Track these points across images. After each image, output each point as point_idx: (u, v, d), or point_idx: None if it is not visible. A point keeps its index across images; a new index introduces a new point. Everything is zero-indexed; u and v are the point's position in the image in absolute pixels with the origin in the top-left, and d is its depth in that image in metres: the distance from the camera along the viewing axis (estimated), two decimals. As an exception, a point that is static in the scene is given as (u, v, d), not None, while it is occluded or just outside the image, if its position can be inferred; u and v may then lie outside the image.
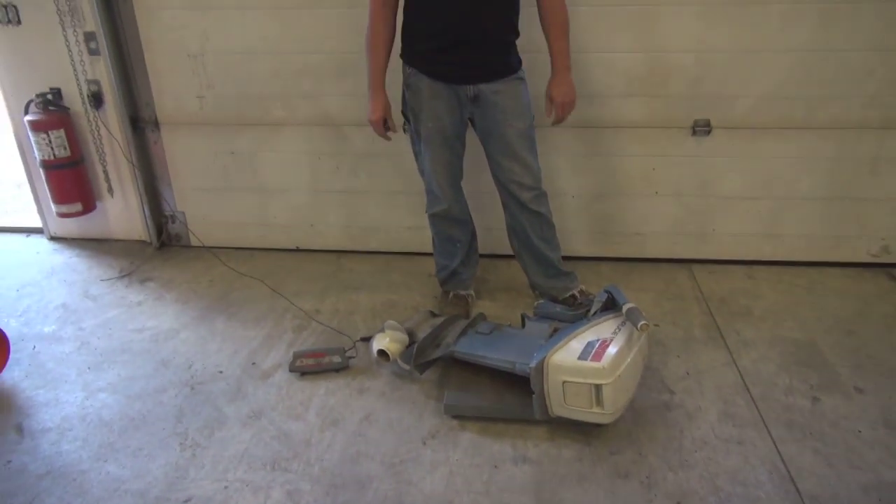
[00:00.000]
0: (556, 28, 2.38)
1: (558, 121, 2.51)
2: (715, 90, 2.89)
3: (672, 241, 3.21)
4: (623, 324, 2.15)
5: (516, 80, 2.44)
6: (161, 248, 3.49)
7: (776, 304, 2.86)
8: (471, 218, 2.77)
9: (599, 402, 1.98)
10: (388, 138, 2.58)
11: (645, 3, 2.77)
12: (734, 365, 2.45)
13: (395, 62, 2.49)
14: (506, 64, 2.42)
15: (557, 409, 2.05)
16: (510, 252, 2.82)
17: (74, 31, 3.05)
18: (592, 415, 2.01)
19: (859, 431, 2.10)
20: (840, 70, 2.81)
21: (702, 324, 2.72)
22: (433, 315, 2.65)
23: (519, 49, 2.45)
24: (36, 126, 3.12)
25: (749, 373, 2.39)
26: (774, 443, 2.05)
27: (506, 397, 2.18)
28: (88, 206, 3.36)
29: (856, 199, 3.05)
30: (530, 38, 2.46)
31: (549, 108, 2.48)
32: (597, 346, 2.03)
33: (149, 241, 3.49)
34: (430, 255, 2.89)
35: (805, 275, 3.09)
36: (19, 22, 3.08)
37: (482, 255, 2.94)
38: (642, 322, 2.06)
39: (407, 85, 2.49)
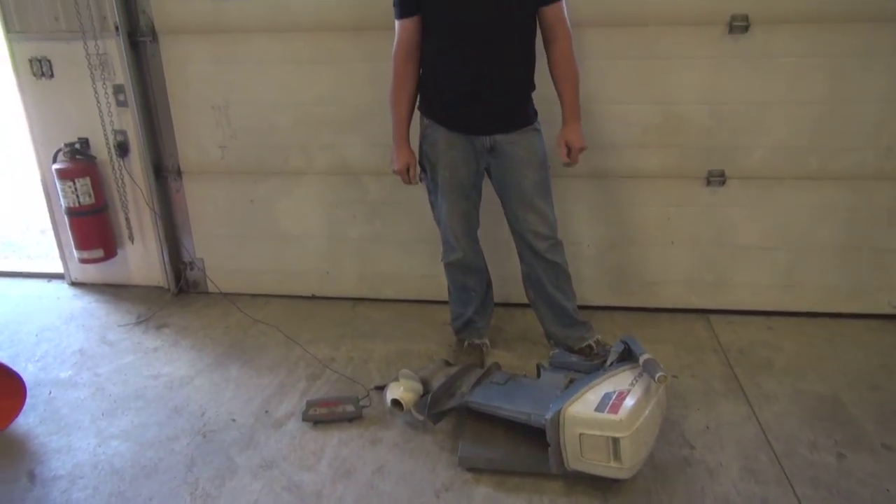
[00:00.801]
0: (567, 81, 2.44)
1: (572, 163, 2.54)
2: (728, 141, 2.92)
3: (689, 291, 3.19)
4: (640, 375, 2.12)
5: (532, 131, 2.49)
6: (179, 294, 3.52)
7: (797, 356, 2.81)
8: (486, 267, 2.78)
9: (617, 456, 1.93)
10: (414, 184, 2.62)
11: (657, 57, 2.82)
12: (755, 419, 2.39)
13: (415, 113, 2.54)
14: (522, 115, 2.47)
15: (574, 462, 2.00)
16: (526, 301, 2.81)
17: (104, 83, 3.16)
18: (610, 469, 1.96)
19: (888, 490, 2.03)
20: (852, 122, 2.83)
21: (721, 376, 2.68)
22: (448, 364, 2.63)
23: (535, 101, 2.50)
24: (63, 174, 3.20)
25: (771, 427, 2.34)
26: (799, 501, 1.99)
27: (521, 450, 2.14)
28: (110, 253, 3.42)
29: (875, 250, 3.02)
30: (546, 91, 2.51)
31: (565, 151, 2.51)
32: (614, 397, 2.00)
33: (167, 287, 3.53)
34: (446, 303, 2.89)
35: (826, 326, 3.04)
36: (52, 75, 3.20)
37: (497, 304, 2.94)
38: (660, 374, 2.03)
39: (424, 136, 2.54)
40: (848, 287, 3.09)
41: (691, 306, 3.20)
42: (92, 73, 3.13)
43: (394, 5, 2.41)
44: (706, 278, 3.16)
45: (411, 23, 2.39)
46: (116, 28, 3.02)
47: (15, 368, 2.47)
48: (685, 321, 3.12)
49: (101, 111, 3.20)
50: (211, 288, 3.51)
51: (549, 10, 2.35)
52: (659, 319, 3.14)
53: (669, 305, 3.21)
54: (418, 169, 2.61)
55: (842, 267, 3.06)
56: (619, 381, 2.10)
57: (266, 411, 2.50)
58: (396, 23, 2.42)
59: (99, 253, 3.38)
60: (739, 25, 2.72)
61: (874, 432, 2.30)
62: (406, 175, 2.57)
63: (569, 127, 2.49)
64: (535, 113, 2.51)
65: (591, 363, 2.44)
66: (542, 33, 2.41)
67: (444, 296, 2.88)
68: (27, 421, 2.47)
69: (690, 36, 2.78)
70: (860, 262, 3.04)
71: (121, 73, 3.13)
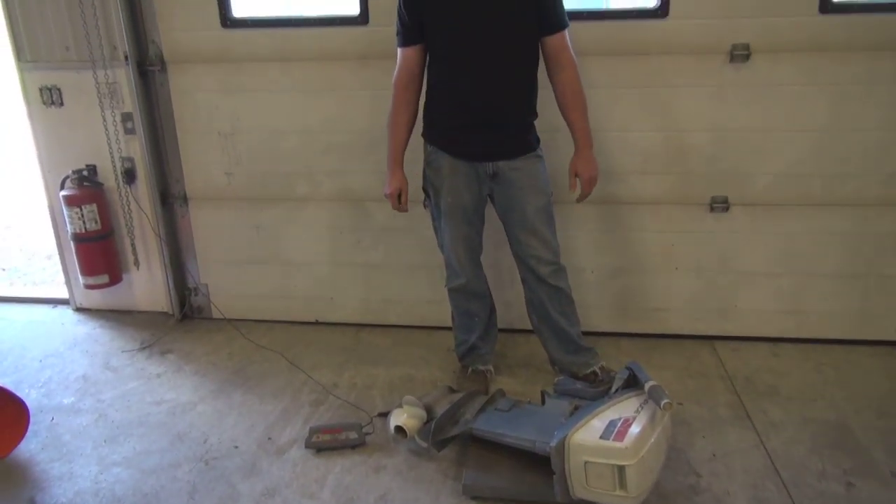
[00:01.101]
0: (576, 109, 2.45)
1: (584, 196, 2.55)
2: (731, 168, 2.93)
3: (693, 317, 3.18)
4: (645, 402, 2.10)
5: (535, 158, 2.51)
6: (183, 320, 3.52)
7: (803, 383, 2.79)
8: (490, 293, 2.78)
9: (623, 484, 1.91)
10: (405, 210, 2.63)
11: (659, 85, 2.85)
12: (763, 447, 2.36)
13: (416, 140, 2.57)
14: (524, 142, 2.49)
15: (579, 490, 1.98)
16: (529, 327, 2.80)
17: (112, 111, 3.21)
18: (616, 498, 1.94)
19: (899, 520, 2.00)
20: (855, 148, 2.84)
21: (727, 403, 2.65)
22: (452, 391, 2.62)
23: (537, 128, 2.53)
24: (70, 201, 3.23)
25: (779, 455, 2.31)
26: (809, 531, 1.96)
27: (526, 478, 2.12)
28: (115, 279, 3.43)
29: (880, 276, 3.01)
30: (548, 118, 2.53)
31: (574, 183, 2.52)
32: (619, 425, 1.98)
33: (171, 312, 3.53)
34: (450, 329, 2.88)
35: (832, 353, 3.02)
36: (62, 104, 3.25)
37: (501, 330, 2.93)
38: (665, 401, 2.02)
39: (428, 162, 2.56)
40: (854, 313, 3.08)
41: (696, 332, 3.19)
42: (101, 101, 3.18)
43: (396, 34, 2.45)
44: (711, 304, 3.15)
45: (413, 51, 2.43)
46: (126, 57, 3.07)
47: (18, 394, 2.47)
48: (690, 347, 3.11)
49: (108, 138, 3.24)
50: (215, 314, 3.52)
51: (552, 40, 2.38)
52: (664, 346, 3.13)
53: (674, 331, 3.20)
54: (418, 195, 2.62)
55: (847, 293, 3.05)
56: (624, 408, 2.08)
57: (269, 438, 2.49)
58: (398, 51, 2.46)
59: (104, 279, 3.39)
60: (741, 54, 2.75)
61: (883, 460, 2.27)
62: (396, 200, 2.58)
63: (579, 155, 2.50)
64: (538, 140, 2.53)
65: (595, 390, 2.42)
66: (546, 63, 2.43)
67: (448, 322, 2.87)
68: (29, 447, 2.46)
69: (692, 64, 2.81)
70: (866, 289, 3.03)
71: (129, 101, 3.17)
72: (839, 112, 2.81)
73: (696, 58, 2.80)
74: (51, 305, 3.74)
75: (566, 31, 2.39)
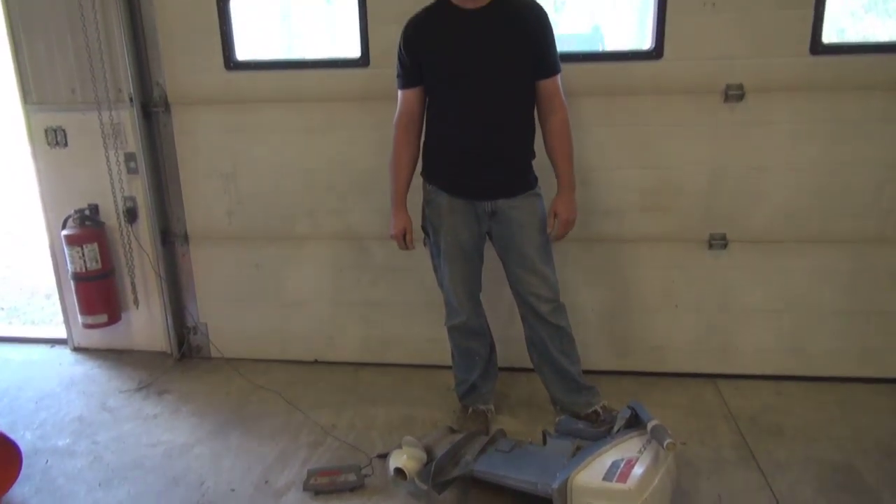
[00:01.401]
0: (561, 153, 2.48)
1: (559, 237, 2.57)
2: (728, 205, 2.95)
3: (695, 355, 3.16)
4: (648, 442, 2.08)
5: (533, 196, 2.53)
6: (181, 359, 3.50)
7: (808, 422, 2.75)
8: (489, 331, 2.77)
9: (627, 527, 1.88)
10: (411, 249, 2.64)
11: (655, 124, 2.89)
12: (769, 489, 2.32)
13: (416, 179, 2.60)
14: (523, 181, 2.52)
15: (583, 534, 1.94)
16: (530, 365, 2.78)
17: (116, 151, 3.24)
18: (620, 541, 1.90)
19: (910, 564, 1.95)
20: (851, 186, 2.87)
21: (731, 443, 2.62)
22: (452, 431, 2.59)
23: (535, 167, 2.55)
24: (71, 240, 3.24)
25: (785, 497, 2.27)
26: (818, 576, 1.91)
27: (528, 521, 2.08)
28: (114, 318, 3.42)
29: (881, 314, 3.00)
30: (546, 157, 2.55)
31: (552, 223, 2.55)
32: (622, 465, 1.96)
33: (169, 352, 3.51)
34: (450, 368, 2.86)
35: (835, 391, 2.99)
36: (66, 144, 3.29)
37: (502, 369, 2.91)
38: (668, 440, 1.99)
39: (427, 201, 2.58)
40: (856, 351, 3.06)
41: (699, 371, 3.16)
42: (105, 141, 3.22)
43: (397, 76, 2.50)
44: (713, 342, 3.14)
45: (413, 94, 2.48)
46: (131, 99, 3.13)
47: (12, 437, 2.44)
48: (693, 386, 3.08)
49: (111, 178, 3.27)
50: (214, 353, 3.49)
51: (545, 84, 2.43)
52: (666, 384, 3.10)
53: (676, 370, 3.17)
54: (419, 234, 2.63)
55: (848, 330, 3.04)
56: (627, 449, 2.06)
57: (266, 481, 2.45)
58: (399, 93, 2.51)
59: (103, 318, 3.38)
60: (735, 94, 2.80)
61: (891, 502, 2.23)
62: (402, 240, 2.60)
63: (561, 196, 2.52)
64: (536, 179, 2.56)
65: (597, 430, 2.39)
66: (538, 105, 2.47)
67: (448, 360, 2.86)
68: (22, 491, 2.42)
69: (687, 104, 2.86)
70: (867, 326, 3.02)
71: (133, 141, 3.21)
72: (833, 150, 2.84)
73: (691, 97, 2.85)
74: (48, 345, 3.72)
75: (559, 76, 2.44)
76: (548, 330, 2.60)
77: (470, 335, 2.69)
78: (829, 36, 2.76)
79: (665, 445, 1.98)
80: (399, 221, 2.59)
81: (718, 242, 2.99)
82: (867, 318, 3.01)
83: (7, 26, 3.17)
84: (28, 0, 3.11)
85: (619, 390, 2.99)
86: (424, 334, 3.27)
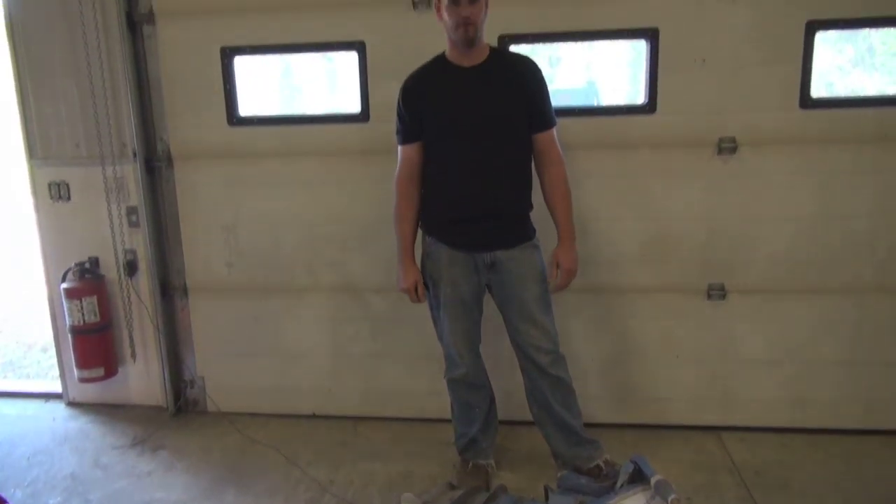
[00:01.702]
0: (560, 204, 2.53)
1: (560, 287, 2.58)
2: (726, 255, 2.97)
3: (698, 406, 3.12)
4: (652, 498, 2.04)
5: (531, 247, 2.55)
6: (177, 413, 3.45)
7: (815, 476, 2.70)
8: (489, 383, 2.75)
9: (633, 588, 1.82)
10: (422, 301, 2.64)
11: (651, 176, 2.94)
12: (777, 545, 2.27)
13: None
14: (521, 233, 2.54)
15: None
16: (531, 418, 2.75)
17: (118, 205, 3.28)
18: None
19: None
20: (846, 236, 2.90)
21: (738, 498, 2.57)
22: (452, 487, 2.54)
23: (533, 219, 2.58)
24: (70, 293, 3.25)
25: (794, 555, 2.21)
26: None
27: (530, 582, 2.02)
28: (110, 372, 3.39)
29: (884, 364, 2.98)
30: (543, 209, 2.59)
31: (555, 272, 2.56)
32: (626, 523, 1.91)
33: (165, 406, 3.47)
34: (449, 421, 2.83)
35: (841, 443, 2.94)
36: (69, 198, 3.33)
37: (502, 422, 2.87)
38: (673, 496, 1.96)
39: (427, 253, 2.60)
40: (860, 402, 3.03)
41: (702, 423, 3.12)
42: (107, 195, 3.26)
43: (396, 132, 2.55)
44: (715, 393, 3.11)
45: (412, 148, 2.53)
46: (134, 154, 3.18)
47: (2, 494, 2.38)
48: (697, 439, 3.03)
49: (113, 231, 3.29)
50: (210, 407, 3.45)
51: (541, 137, 2.48)
52: (669, 437, 3.05)
53: (679, 422, 3.13)
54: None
55: (851, 381, 3.01)
56: (630, 505, 2.02)
57: (261, 540, 2.39)
58: (399, 148, 2.56)
59: (99, 372, 3.35)
60: (728, 147, 2.86)
61: (905, 560, 2.18)
62: (414, 293, 2.61)
63: (562, 246, 2.55)
64: (534, 230, 2.58)
65: (600, 485, 2.35)
66: (535, 158, 2.53)
67: (448, 413, 2.82)
68: (9, 553, 2.36)
69: (681, 156, 2.91)
70: (870, 377, 3.00)
71: (135, 195, 3.25)
72: (827, 201, 2.88)
73: (686, 150, 2.90)
74: (43, 400, 3.67)
75: (554, 129, 2.50)
76: (548, 382, 2.58)
77: (470, 388, 2.67)
78: (819, 90, 2.83)
79: (670, 501, 1.95)
80: (409, 275, 2.60)
81: (717, 292, 3.00)
82: (871, 368, 2.99)
83: (16, 84, 3.25)
84: (37, 59, 3.20)
85: (621, 444, 2.95)
86: (424, 387, 3.24)
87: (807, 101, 2.80)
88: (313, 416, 3.39)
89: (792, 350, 3.02)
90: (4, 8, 3.17)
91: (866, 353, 2.98)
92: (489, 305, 2.64)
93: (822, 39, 2.80)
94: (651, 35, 2.82)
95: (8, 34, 3.20)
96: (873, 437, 2.98)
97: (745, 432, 3.06)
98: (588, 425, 2.72)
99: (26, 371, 4.35)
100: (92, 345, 3.33)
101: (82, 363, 3.34)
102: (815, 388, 3.04)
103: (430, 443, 3.06)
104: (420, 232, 2.62)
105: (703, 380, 3.10)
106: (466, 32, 2.32)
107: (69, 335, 3.33)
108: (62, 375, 3.58)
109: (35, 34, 3.19)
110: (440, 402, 2.96)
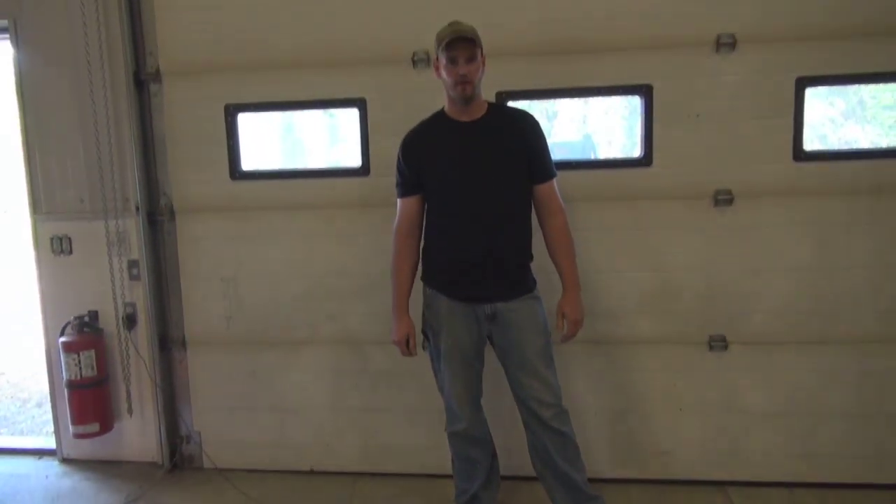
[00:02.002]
0: (563, 254, 2.54)
1: (568, 337, 2.57)
2: (726, 307, 2.97)
3: (703, 460, 3.06)
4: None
5: (532, 299, 2.54)
6: (172, 470, 3.38)
7: (825, 532, 2.64)
8: (491, 438, 2.70)
9: None
10: (414, 355, 2.63)
11: (649, 227, 2.97)
12: None
13: (416, 282, 2.62)
14: (521, 284, 2.54)
15: None
16: (533, 474, 2.69)
17: (120, 258, 3.29)
18: None
19: None
20: (846, 287, 2.90)
21: (747, 557, 2.49)
22: (453, 546, 2.46)
23: (533, 270, 2.59)
24: (68, 347, 3.22)
25: None
26: None
27: None
28: (105, 427, 3.33)
29: (890, 416, 2.94)
30: (544, 260, 2.60)
31: (561, 323, 2.55)
32: (633, 584, 1.85)
33: (160, 462, 3.40)
34: (450, 477, 2.77)
35: (851, 498, 2.88)
36: (71, 252, 3.35)
37: (504, 477, 2.81)
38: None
39: (427, 305, 2.60)
40: (867, 455, 2.97)
41: (708, 478, 3.05)
42: (109, 249, 3.27)
43: (396, 185, 2.58)
44: (720, 447, 3.05)
45: (412, 202, 2.56)
46: (137, 209, 3.21)
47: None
48: (702, 494, 2.97)
49: (113, 284, 3.29)
50: (206, 463, 3.38)
51: (542, 188, 2.51)
52: (675, 492, 2.98)
53: (684, 477, 3.07)
54: (420, 339, 2.63)
55: (858, 434, 2.96)
56: (637, 565, 1.95)
57: None
58: (398, 201, 2.59)
59: (94, 427, 3.29)
60: (724, 199, 2.89)
61: None
62: (405, 346, 2.60)
63: (567, 297, 2.55)
64: (534, 282, 2.58)
65: (606, 544, 2.28)
66: (537, 209, 2.55)
67: (449, 468, 2.77)
68: None
69: (678, 209, 2.94)
70: (877, 429, 2.96)
71: (136, 249, 3.27)
72: (823, 252, 2.90)
73: (682, 202, 2.94)
74: (37, 457, 3.60)
75: (555, 180, 2.53)
76: (550, 436, 2.53)
77: (471, 442, 2.62)
78: (812, 143, 2.89)
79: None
80: (401, 327, 2.59)
81: (718, 344, 2.98)
82: (876, 421, 2.95)
83: (23, 139, 3.31)
84: (45, 115, 3.27)
85: (626, 500, 2.89)
86: (424, 442, 3.18)
87: (800, 154, 2.84)
88: (311, 473, 3.31)
89: (798, 402, 2.98)
90: (14, 64, 3.26)
91: (872, 404, 2.94)
92: (491, 359, 2.62)
93: (813, 94, 2.87)
94: (645, 91, 2.89)
95: (17, 90, 3.28)
96: (884, 492, 2.91)
97: (752, 487, 3.00)
98: (591, 480, 2.66)
99: (20, 427, 4.28)
100: (88, 400, 3.28)
101: (78, 419, 3.29)
102: (821, 440, 2.99)
103: (430, 499, 2.99)
104: (421, 283, 2.63)
105: (708, 433, 3.05)
106: (464, 90, 2.37)
107: (65, 390, 3.29)
108: (57, 431, 3.52)
109: (43, 90, 3.26)
110: (441, 457, 2.91)
